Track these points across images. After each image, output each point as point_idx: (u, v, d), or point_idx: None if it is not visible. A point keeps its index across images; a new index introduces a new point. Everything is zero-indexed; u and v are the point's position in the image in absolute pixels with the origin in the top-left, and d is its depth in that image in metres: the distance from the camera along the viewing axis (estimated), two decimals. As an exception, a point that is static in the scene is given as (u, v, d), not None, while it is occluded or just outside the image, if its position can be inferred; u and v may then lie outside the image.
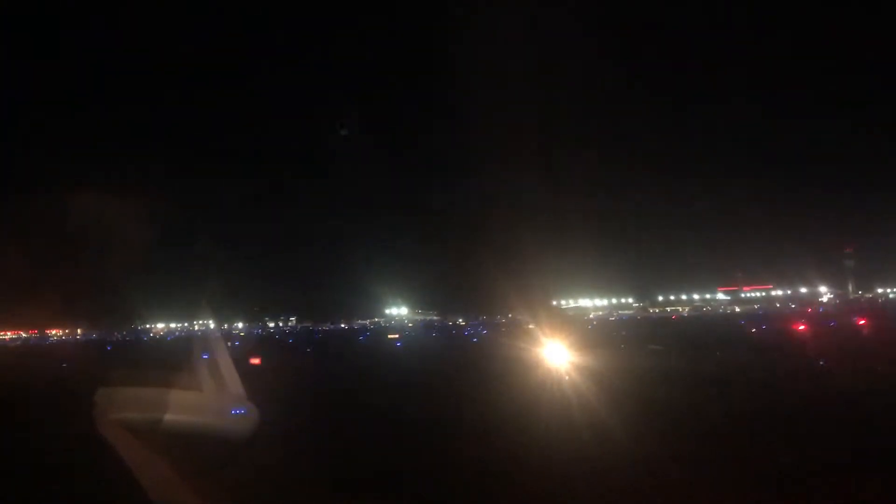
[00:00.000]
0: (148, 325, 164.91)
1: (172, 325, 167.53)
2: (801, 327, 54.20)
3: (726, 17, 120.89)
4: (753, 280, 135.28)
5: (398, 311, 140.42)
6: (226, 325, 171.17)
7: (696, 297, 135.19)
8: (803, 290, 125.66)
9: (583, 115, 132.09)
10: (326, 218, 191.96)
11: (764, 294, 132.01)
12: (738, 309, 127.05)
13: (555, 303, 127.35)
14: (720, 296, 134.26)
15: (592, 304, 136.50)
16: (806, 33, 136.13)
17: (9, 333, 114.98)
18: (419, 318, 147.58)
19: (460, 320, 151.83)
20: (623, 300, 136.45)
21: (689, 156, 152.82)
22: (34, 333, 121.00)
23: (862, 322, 58.10)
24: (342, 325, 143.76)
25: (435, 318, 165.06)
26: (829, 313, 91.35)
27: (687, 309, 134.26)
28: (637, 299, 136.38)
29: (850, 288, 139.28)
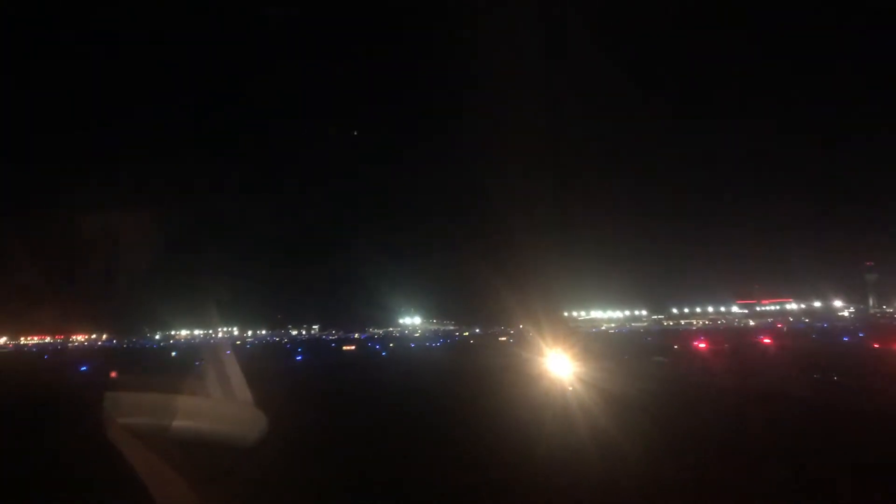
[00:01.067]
0: (173, 332, 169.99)
1: (196, 332, 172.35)
2: (702, 345, 61.77)
3: (746, 30, 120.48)
4: (772, 294, 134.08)
5: (412, 321, 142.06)
6: (249, 332, 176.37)
7: (710, 309, 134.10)
8: (817, 303, 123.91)
9: (599, 127, 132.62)
10: (349, 231, 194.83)
11: (778, 308, 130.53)
12: (752, 322, 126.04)
13: (566, 314, 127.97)
14: (735, 309, 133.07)
15: (606, 315, 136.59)
16: (830, 48, 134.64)
17: (35, 338, 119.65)
18: (433, 327, 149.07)
19: (476, 330, 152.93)
20: (637, 312, 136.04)
21: (709, 170, 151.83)
22: (60, 338, 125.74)
23: (766, 341, 67.07)
24: (354, 335, 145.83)
25: (451, 327, 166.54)
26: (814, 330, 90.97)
27: (702, 321, 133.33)
28: (651, 311, 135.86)
29: (871, 302, 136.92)
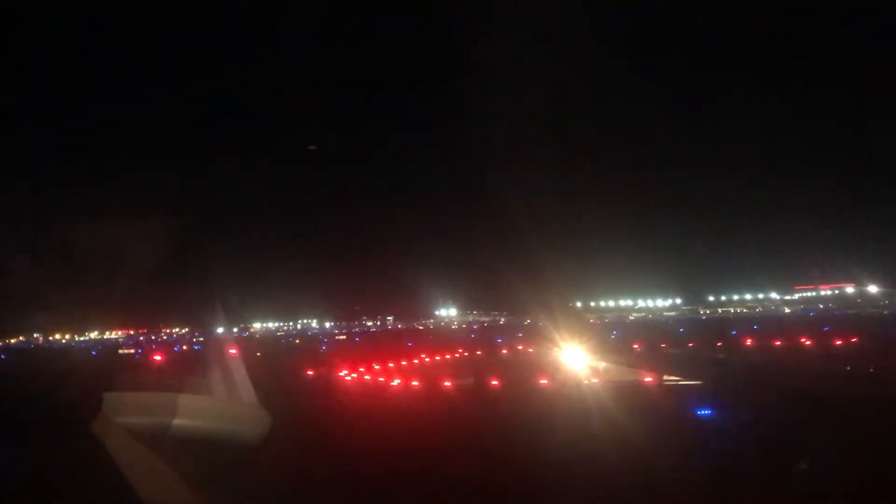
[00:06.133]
0: (248, 325, 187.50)
1: (271, 325, 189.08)
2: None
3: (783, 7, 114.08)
4: (831, 279, 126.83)
5: (447, 312, 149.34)
6: (327, 324, 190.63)
7: (748, 297, 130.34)
8: (850, 289, 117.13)
9: (638, 109, 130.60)
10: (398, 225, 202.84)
11: (814, 294, 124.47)
12: (787, 310, 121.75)
13: (594, 304, 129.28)
14: (773, 295, 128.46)
15: (647, 304, 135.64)
16: (868, 29, 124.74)
17: (120, 332, 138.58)
18: (474, 318, 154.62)
19: (527, 321, 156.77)
20: (672, 301, 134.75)
21: (764, 151, 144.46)
22: (144, 332, 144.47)
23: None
24: (400, 325, 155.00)
25: (500, 318, 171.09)
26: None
27: (740, 309, 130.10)
28: (687, 301, 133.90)
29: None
